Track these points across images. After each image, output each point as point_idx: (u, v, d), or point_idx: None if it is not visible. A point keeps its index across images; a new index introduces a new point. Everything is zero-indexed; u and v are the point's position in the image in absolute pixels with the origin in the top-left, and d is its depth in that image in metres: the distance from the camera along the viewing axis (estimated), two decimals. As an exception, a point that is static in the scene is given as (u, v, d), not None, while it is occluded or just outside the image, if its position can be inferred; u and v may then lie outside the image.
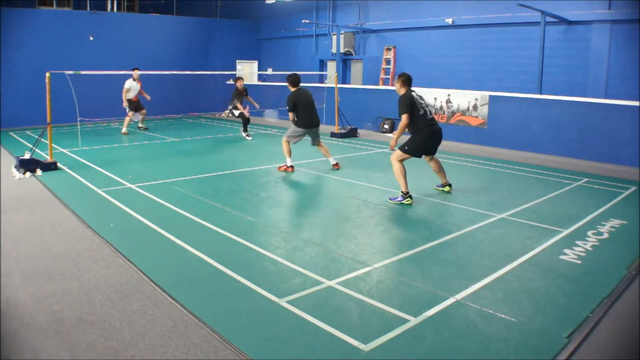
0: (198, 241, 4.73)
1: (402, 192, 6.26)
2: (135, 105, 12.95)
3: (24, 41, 14.42)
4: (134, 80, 12.74)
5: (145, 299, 3.56)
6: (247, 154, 10.14)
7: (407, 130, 6.40)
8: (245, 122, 12.11)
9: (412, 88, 6.45)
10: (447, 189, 6.83)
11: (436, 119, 7.29)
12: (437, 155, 6.77)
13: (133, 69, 12.80)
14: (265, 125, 14.89)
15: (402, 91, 6.38)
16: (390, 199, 6.37)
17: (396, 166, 6.33)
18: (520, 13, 11.90)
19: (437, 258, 4.46)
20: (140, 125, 13.74)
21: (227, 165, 8.80)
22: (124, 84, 12.67)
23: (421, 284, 3.87)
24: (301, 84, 8.07)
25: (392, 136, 6.38)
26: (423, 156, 6.61)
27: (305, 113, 7.99)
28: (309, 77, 16.64)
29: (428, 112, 6.38)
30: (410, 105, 6.21)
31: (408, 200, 6.22)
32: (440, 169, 6.78)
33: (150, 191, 6.68)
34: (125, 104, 12.70)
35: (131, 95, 12.72)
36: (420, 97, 6.44)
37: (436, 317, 3.33)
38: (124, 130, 12.84)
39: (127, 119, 12.88)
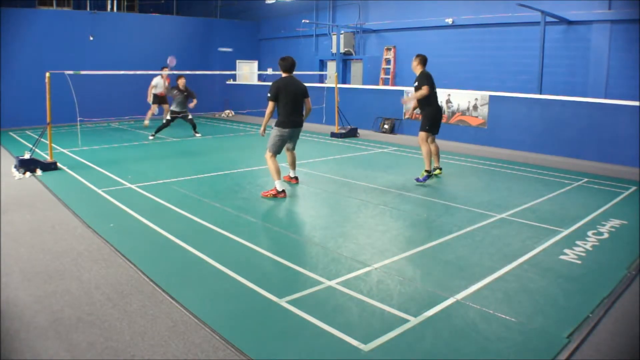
0: (198, 241, 4.73)
1: (426, 170, 7.19)
2: (160, 100, 13.68)
3: (24, 41, 14.43)
4: (162, 78, 13.31)
5: (145, 299, 3.56)
6: (247, 154, 10.14)
7: (418, 110, 7.51)
8: (164, 125, 11.76)
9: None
10: (437, 172, 7.58)
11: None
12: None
13: (162, 68, 13.21)
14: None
15: (419, 69, 7.18)
16: (416, 180, 7.18)
17: (425, 147, 7.21)
18: (520, 13, 11.90)
19: (437, 258, 4.46)
20: (147, 123, 14.26)
21: (227, 165, 8.80)
22: (151, 81, 13.57)
23: (421, 284, 3.87)
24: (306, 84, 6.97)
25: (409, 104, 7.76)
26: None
27: (291, 108, 6.40)
28: (309, 77, 16.63)
29: (436, 92, 7.45)
30: (430, 81, 7.13)
31: (435, 174, 7.30)
32: (437, 153, 7.59)
33: (150, 191, 6.68)
34: (149, 98, 13.65)
35: (157, 90, 13.53)
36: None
37: (436, 317, 3.33)
38: (145, 122, 13.94)
39: (149, 112, 13.88)
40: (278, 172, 6.45)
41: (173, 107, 11.74)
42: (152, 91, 13.55)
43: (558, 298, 3.68)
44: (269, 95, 6.36)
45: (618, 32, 10.73)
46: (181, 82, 11.77)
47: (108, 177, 7.56)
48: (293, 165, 7.16)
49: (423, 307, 3.46)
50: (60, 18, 15.51)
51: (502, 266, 4.22)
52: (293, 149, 6.95)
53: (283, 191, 6.42)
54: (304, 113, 6.64)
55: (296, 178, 7.25)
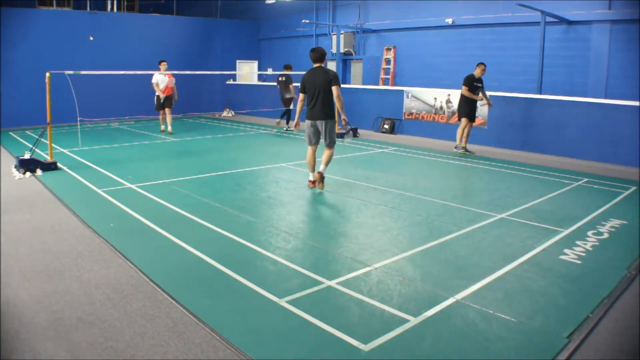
0: (198, 241, 4.73)
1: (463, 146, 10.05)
2: (163, 104, 12.46)
3: (24, 41, 14.42)
4: (161, 73, 12.29)
5: (145, 299, 3.56)
6: (247, 154, 10.14)
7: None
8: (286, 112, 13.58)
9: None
10: (462, 150, 9.98)
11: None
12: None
13: (160, 62, 12.36)
14: (265, 125, 14.89)
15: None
16: (456, 148, 10.09)
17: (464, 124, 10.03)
18: (520, 13, 11.90)
19: (437, 258, 4.46)
20: (163, 127, 13.04)
21: (227, 165, 8.80)
22: (151, 78, 12.41)
23: (421, 284, 3.87)
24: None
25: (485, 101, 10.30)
26: (464, 119, 9.98)
27: (312, 100, 6.84)
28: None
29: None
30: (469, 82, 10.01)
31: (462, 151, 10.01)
32: (466, 134, 10.06)
33: (150, 191, 6.68)
34: (162, 96, 12.34)
35: (161, 88, 12.27)
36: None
37: (436, 317, 3.33)
38: (162, 127, 13.09)
39: (160, 117, 13.05)
40: (309, 164, 7.00)
41: (288, 95, 13.15)
42: (158, 90, 12.29)
43: (558, 298, 3.69)
44: (299, 87, 6.93)
45: (618, 32, 10.73)
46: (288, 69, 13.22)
47: (108, 177, 7.56)
48: (323, 161, 6.87)
49: (423, 307, 3.46)
50: (60, 18, 15.51)
51: (502, 266, 4.22)
52: (327, 145, 6.96)
53: (312, 182, 6.92)
54: (327, 104, 6.88)
55: (317, 180, 6.78)
